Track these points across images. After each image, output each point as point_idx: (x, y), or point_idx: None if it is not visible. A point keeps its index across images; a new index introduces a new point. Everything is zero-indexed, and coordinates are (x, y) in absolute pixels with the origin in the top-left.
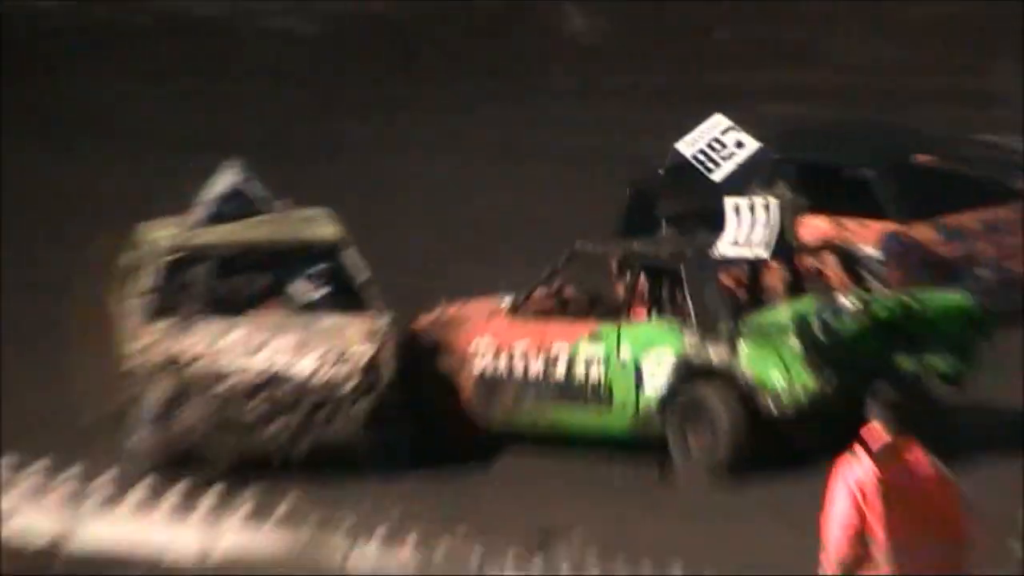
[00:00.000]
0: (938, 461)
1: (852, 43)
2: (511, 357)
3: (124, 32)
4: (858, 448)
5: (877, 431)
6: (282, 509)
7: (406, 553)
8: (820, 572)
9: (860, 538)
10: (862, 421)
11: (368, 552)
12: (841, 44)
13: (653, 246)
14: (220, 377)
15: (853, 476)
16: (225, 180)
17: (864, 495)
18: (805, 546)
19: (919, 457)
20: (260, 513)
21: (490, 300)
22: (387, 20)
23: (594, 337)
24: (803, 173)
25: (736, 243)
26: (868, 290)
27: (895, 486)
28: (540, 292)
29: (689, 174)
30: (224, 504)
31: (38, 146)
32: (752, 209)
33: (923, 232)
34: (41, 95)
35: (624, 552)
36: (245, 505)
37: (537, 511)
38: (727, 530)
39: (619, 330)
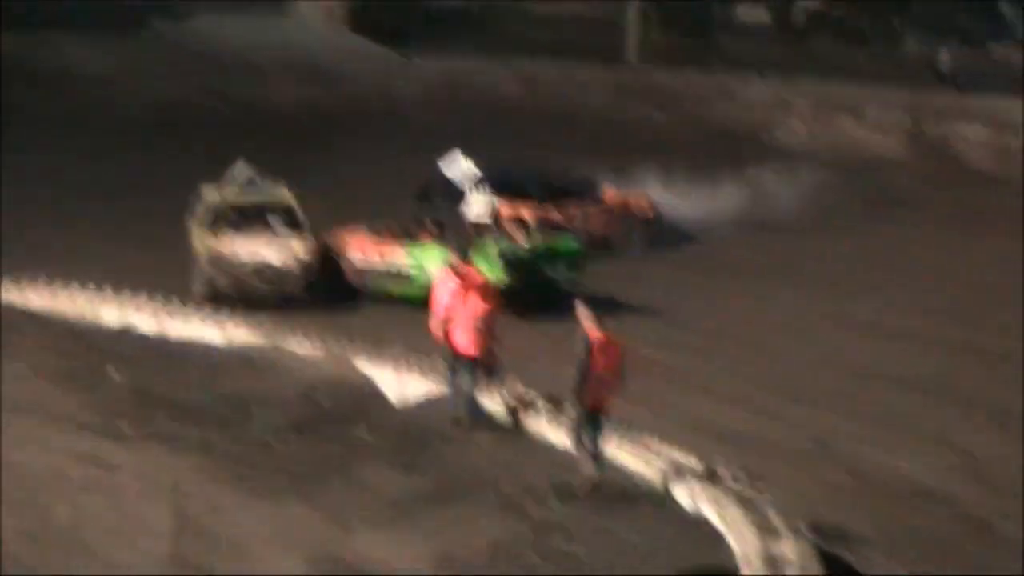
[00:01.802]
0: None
1: None
2: (368, 257)
3: None
4: (454, 274)
5: (460, 267)
6: (261, 320)
7: (318, 343)
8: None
9: (448, 310)
10: (522, 293)
11: (297, 340)
12: None
13: (436, 210)
14: (235, 262)
15: (448, 283)
16: (240, 168)
17: (453, 291)
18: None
19: (479, 278)
20: (250, 322)
21: (359, 229)
22: None
23: (406, 249)
24: (499, 183)
25: (474, 212)
26: (530, 236)
27: (465, 286)
28: (382, 227)
29: (448, 179)
30: (237, 317)
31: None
32: (480, 195)
33: (554, 213)
34: None
35: (418, 349)
36: (247, 318)
37: (380, 329)
38: None
39: (417, 247)
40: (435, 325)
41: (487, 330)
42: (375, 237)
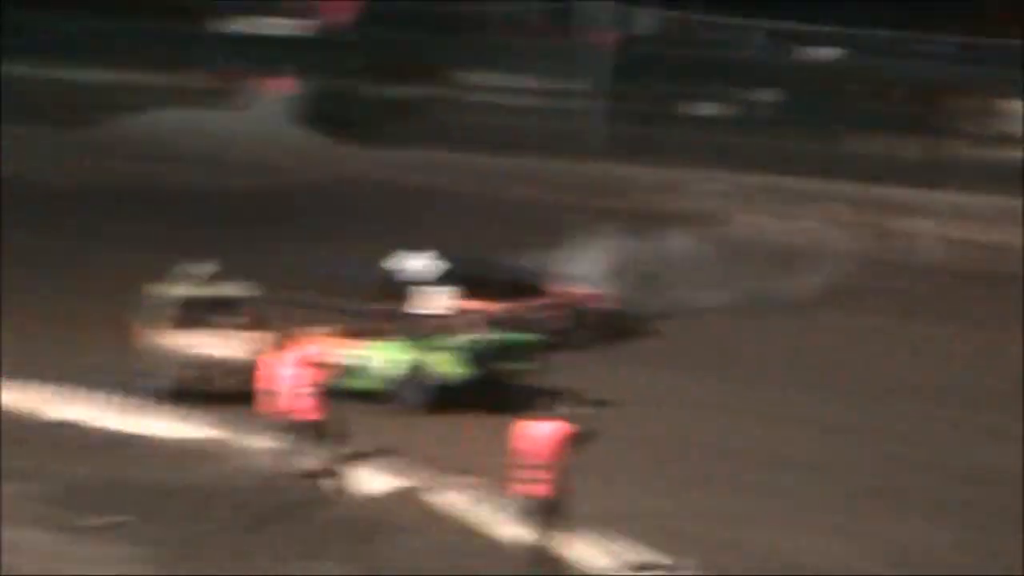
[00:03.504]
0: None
1: None
2: (325, 352)
3: None
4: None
5: (288, 340)
6: (216, 414)
7: (274, 438)
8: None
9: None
10: (482, 388)
11: (252, 435)
12: None
13: (393, 305)
14: (192, 356)
15: (277, 358)
16: (204, 265)
17: (281, 364)
18: (452, 436)
19: (305, 350)
20: (205, 417)
21: (321, 326)
22: None
23: (363, 345)
24: (456, 278)
25: (432, 306)
26: (490, 332)
27: (293, 358)
28: (340, 322)
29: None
30: (193, 411)
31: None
32: (442, 292)
33: (510, 307)
34: None
35: (375, 443)
36: (203, 413)
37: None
38: (425, 434)
39: (380, 343)
40: (265, 398)
41: (313, 397)
42: (333, 332)
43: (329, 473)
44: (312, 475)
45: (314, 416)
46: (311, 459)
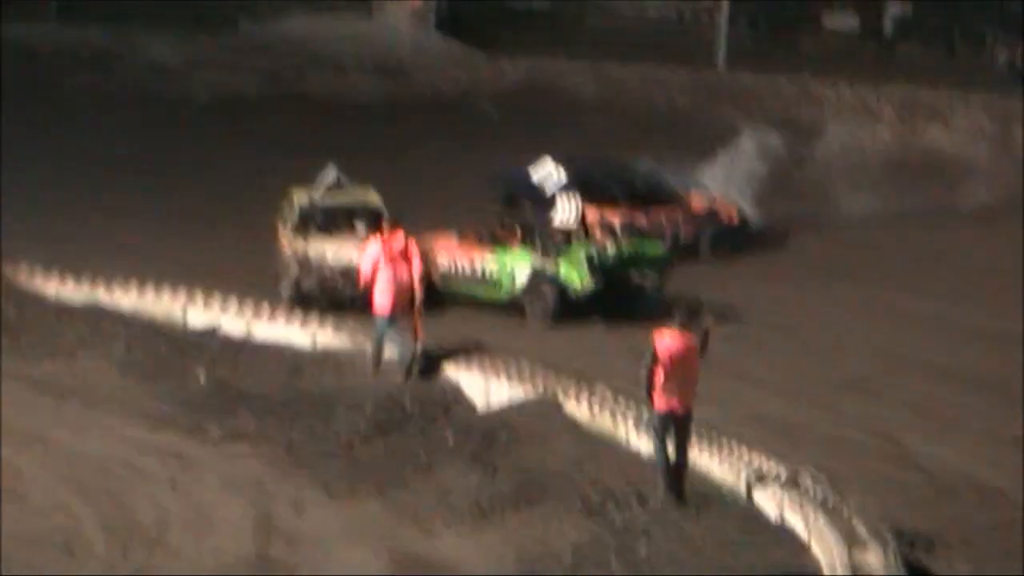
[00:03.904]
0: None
1: None
2: (454, 261)
3: None
4: (379, 238)
5: (387, 234)
6: (347, 322)
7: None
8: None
9: (375, 267)
10: (608, 298)
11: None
12: None
13: (522, 214)
14: (323, 264)
15: (372, 249)
16: (329, 172)
17: (375, 256)
18: (578, 346)
19: (402, 245)
20: (336, 325)
21: (446, 233)
22: None
23: (493, 254)
24: (585, 187)
25: (560, 216)
26: (616, 241)
27: (388, 252)
28: (469, 231)
29: (536, 184)
30: (323, 319)
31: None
32: (567, 200)
33: (640, 217)
34: None
35: (501, 352)
36: (333, 321)
37: (465, 332)
38: (550, 344)
39: (505, 252)
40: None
41: (406, 292)
42: (462, 241)
43: (420, 369)
44: (410, 372)
45: (387, 311)
46: (403, 352)
